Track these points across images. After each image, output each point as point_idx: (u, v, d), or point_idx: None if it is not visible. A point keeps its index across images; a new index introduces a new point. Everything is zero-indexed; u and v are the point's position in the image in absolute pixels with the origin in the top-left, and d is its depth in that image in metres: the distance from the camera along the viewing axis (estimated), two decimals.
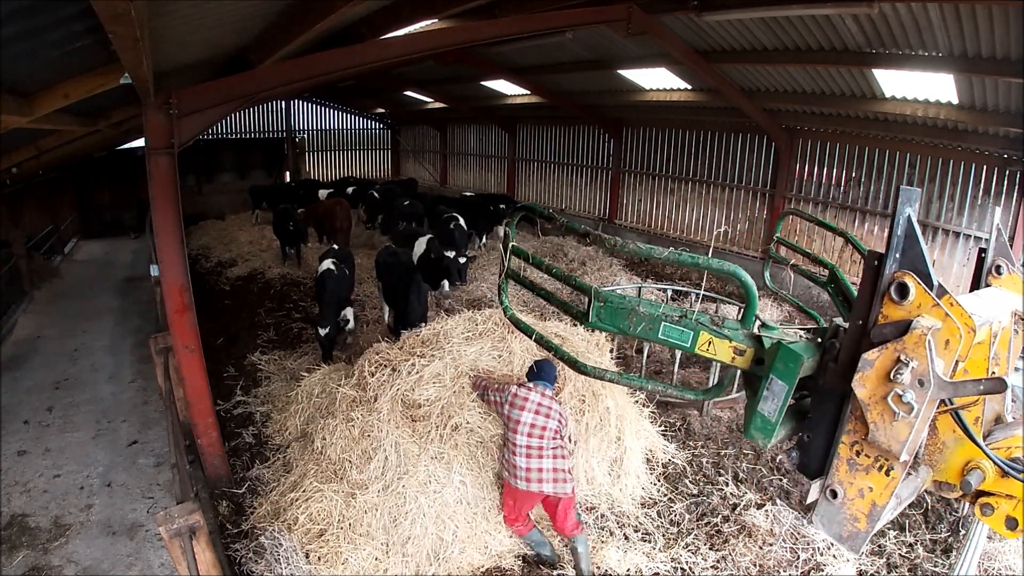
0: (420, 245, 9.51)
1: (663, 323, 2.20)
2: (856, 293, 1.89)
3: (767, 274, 3.93)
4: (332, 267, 7.68)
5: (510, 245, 2.69)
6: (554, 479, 4.22)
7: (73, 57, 4.11)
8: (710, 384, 6.53)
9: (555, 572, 4.47)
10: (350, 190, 16.14)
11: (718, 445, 6.19)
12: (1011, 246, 7.32)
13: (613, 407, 5.48)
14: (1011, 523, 1.87)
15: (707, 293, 9.56)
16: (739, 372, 2.24)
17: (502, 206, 13.69)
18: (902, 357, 1.68)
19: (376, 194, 14.69)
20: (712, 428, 6.48)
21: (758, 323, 2.23)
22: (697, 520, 5.04)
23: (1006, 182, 7.98)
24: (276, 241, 12.64)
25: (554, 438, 4.26)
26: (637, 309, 2.22)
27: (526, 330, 2.76)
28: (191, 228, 14.18)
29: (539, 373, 4.52)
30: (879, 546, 4.78)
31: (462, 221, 11.02)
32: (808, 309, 3.83)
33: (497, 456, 4.73)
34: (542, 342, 2.67)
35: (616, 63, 10.36)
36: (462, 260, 10.20)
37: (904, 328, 1.71)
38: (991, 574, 4.52)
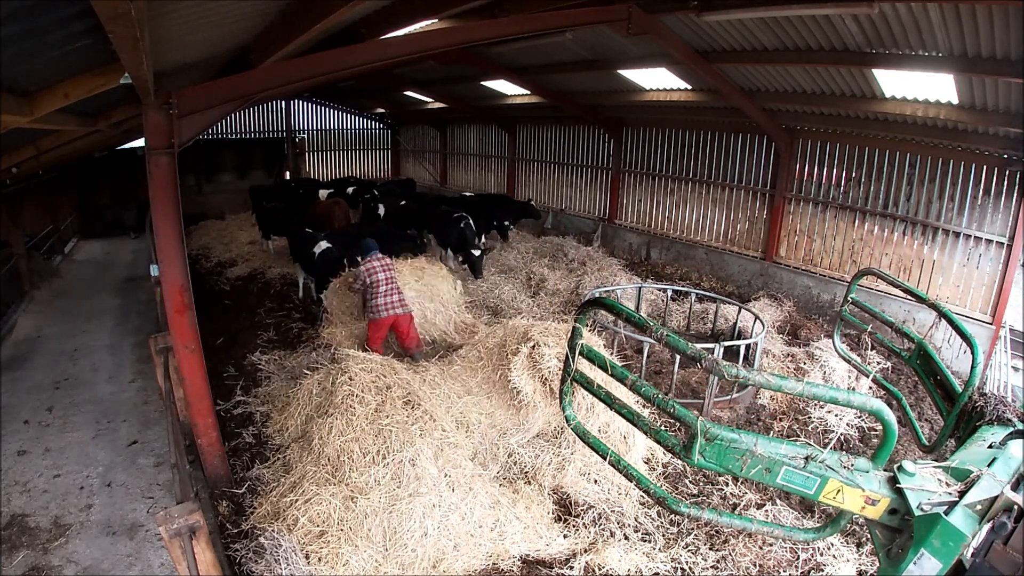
0: None
1: (784, 467, 1.92)
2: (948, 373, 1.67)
3: (837, 339, 3.62)
4: (328, 245, 8.74)
5: (579, 343, 2.26)
6: (401, 303, 6.93)
7: (73, 57, 4.11)
8: (711, 382, 6.53)
9: (554, 571, 4.48)
10: (350, 190, 16.15)
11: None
12: (1011, 247, 7.28)
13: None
14: None
15: (706, 293, 9.57)
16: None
17: (507, 222, 13.54)
18: None
19: (376, 194, 14.70)
20: None
21: (884, 464, 2.00)
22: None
23: (1006, 182, 7.98)
24: (276, 241, 12.79)
25: (394, 279, 6.95)
26: (754, 450, 1.92)
27: (599, 448, 2.34)
28: (191, 228, 14.19)
29: (369, 249, 7.09)
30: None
31: (471, 220, 11.06)
32: (890, 386, 3.44)
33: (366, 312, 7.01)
34: (619, 466, 2.30)
35: (616, 63, 10.36)
36: (476, 253, 10.27)
37: None
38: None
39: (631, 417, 2.23)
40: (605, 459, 2.31)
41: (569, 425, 2.43)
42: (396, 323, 6.91)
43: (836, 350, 3.57)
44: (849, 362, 3.66)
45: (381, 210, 12.78)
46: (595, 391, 2.32)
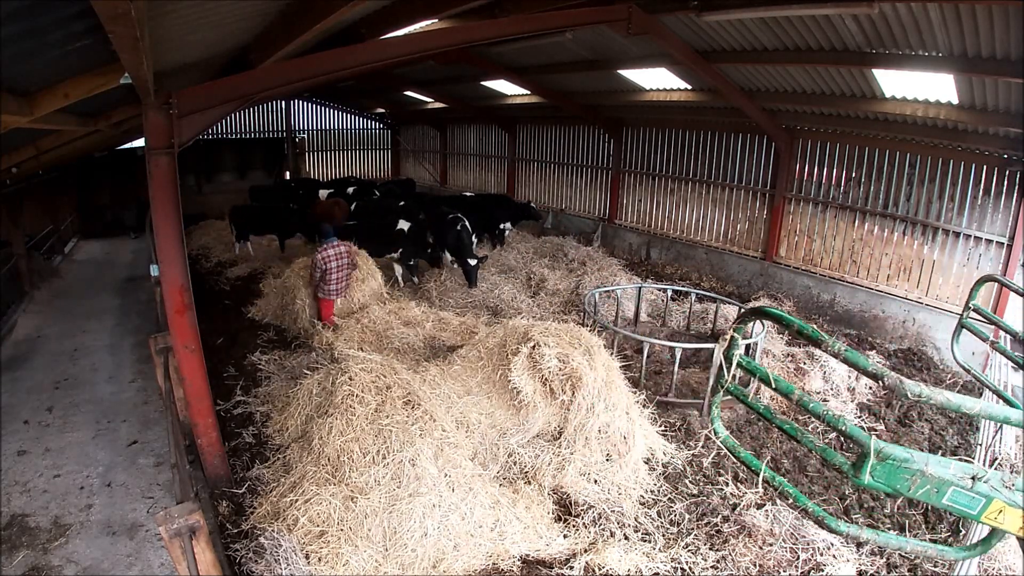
0: None
1: (952, 488, 1.87)
2: None
3: (956, 347, 3.47)
4: (410, 221, 10.32)
5: (736, 355, 2.16)
6: (346, 291, 8.24)
7: (73, 57, 4.11)
8: (711, 382, 6.53)
9: (554, 571, 4.48)
10: (350, 190, 16.16)
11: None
12: (1011, 247, 7.24)
13: (622, 408, 5.56)
14: None
15: (706, 293, 9.57)
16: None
17: (504, 225, 13.65)
18: None
19: (377, 194, 14.71)
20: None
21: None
22: (697, 520, 5.04)
23: (1006, 182, 7.98)
24: (276, 241, 12.87)
25: (348, 267, 8.15)
26: (925, 470, 1.85)
27: (750, 463, 2.25)
28: (191, 228, 14.21)
29: (327, 236, 8.14)
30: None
31: (467, 223, 11.00)
32: (1010, 398, 3.31)
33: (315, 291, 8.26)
34: (774, 483, 2.18)
35: (616, 63, 10.36)
36: (472, 262, 10.22)
37: None
38: (991, 574, 4.52)
39: (793, 432, 2.15)
40: (758, 475, 2.22)
41: (718, 439, 2.36)
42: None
43: (956, 360, 3.44)
44: (969, 372, 3.58)
45: (467, 223, 12.61)
46: (751, 403, 2.23)
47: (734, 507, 5.16)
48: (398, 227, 10.37)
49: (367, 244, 10.21)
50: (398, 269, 10.75)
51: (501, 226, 13.42)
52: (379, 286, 9.12)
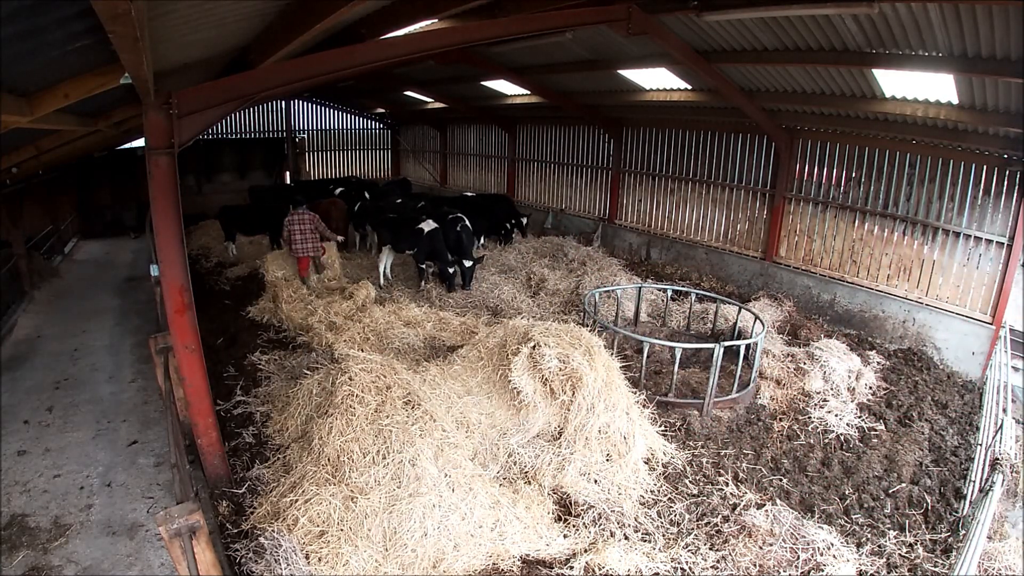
0: None
1: None
2: None
3: None
4: (435, 224, 10.36)
5: None
6: (312, 249, 9.83)
7: (73, 57, 4.11)
8: (711, 382, 6.53)
9: (554, 571, 4.48)
10: (338, 191, 16.15)
11: (718, 445, 6.20)
12: (1011, 247, 7.25)
13: (622, 408, 5.56)
14: None
15: (706, 293, 9.57)
16: None
17: (512, 222, 13.73)
18: None
19: (368, 196, 14.71)
20: (712, 428, 6.48)
21: None
22: (697, 520, 5.04)
23: (1006, 182, 7.98)
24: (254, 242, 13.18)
25: (311, 232, 9.73)
26: None
27: None
28: (191, 228, 14.21)
29: (300, 205, 9.89)
30: (879, 546, 4.78)
31: (467, 222, 10.98)
32: None
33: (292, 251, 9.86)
34: None
35: (616, 63, 10.36)
36: (468, 264, 10.20)
37: None
38: (991, 574, 4.52)
39: None
40: None
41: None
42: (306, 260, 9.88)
43: None
44: None
45: (467, 223, 12.44)
46: None
47: (734, 507, 5.16)
48: (418, 226, 10.35)
49: (394, 239, 10.65)
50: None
51: (508, 225, 13.47)
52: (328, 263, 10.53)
